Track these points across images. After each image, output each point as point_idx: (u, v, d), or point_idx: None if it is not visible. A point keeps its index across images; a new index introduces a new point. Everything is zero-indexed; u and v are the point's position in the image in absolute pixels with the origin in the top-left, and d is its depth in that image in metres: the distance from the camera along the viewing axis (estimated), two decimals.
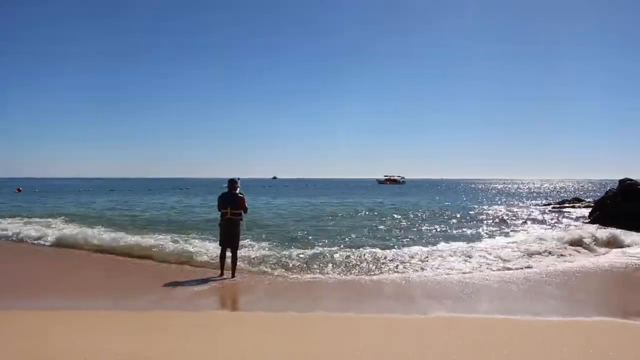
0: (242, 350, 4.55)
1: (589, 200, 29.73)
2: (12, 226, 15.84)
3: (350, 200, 38.91)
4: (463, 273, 9.09)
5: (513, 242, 12.92)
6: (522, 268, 9.57)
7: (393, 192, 58.91)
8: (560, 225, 17.86)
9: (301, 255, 10.47)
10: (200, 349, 4.59)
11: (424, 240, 13.63)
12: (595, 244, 12.20)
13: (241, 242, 9.28)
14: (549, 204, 31.59)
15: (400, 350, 4.55)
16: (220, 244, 9.02)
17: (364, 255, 10.41)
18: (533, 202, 36.98)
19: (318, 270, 9.31)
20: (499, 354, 4.45)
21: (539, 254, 10.88)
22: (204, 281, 8.43)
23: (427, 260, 10.05)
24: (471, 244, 12.38)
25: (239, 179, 9.05)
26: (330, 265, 9.64)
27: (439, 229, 16.98)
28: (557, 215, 22.97)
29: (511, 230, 16.45)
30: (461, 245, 12.16)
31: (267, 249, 11.50)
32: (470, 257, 10.44)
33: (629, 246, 12.18)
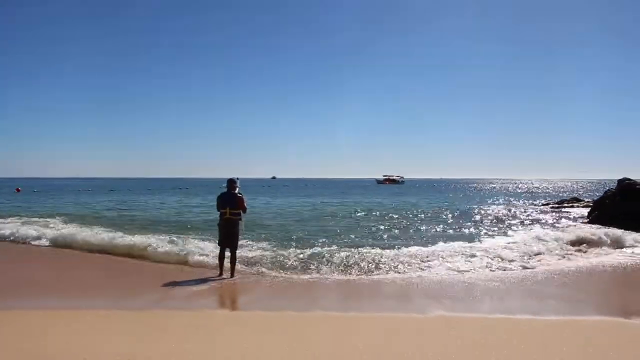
0: (242, 351, 4.55)
1: (587, 200, 29.75)
2: (10, 226, 15.79)
3: (349, 200, 38.91)
4: (462, 273, 9.10)
5: (512, 242, 12.93)
6: (521, 268, 9.58)
7: (392, 192, 58.92)
8: (559, 225, 17.86)
9: (300, 255, 10.47)
10: (200, 349, 4.58)
11: (423, 240, 13.64)
12: (594, 243, 12.21)
13: (240, 242, 9.28)
14: (547, 204, 31.61)
15: (400, 350, 4.55)
16: (219, 244, 9.02)
17: (363, 255, 10.40)
18: (532, 201, 37.00)
19: (317, 270, 9.31)
20: (499, 354, 4.45)
21: (539, 254, 10.90)
22: (203, 281, 8.42)
23: (427, 260, 10.05)
24: (470, 244, 12.38)
25: (238, 178, 9.05)
26: (329, 265, 9.63)
27: (438, 229, 16.99)
28: (556, 215, 22.99)
29: (510, 230, 16.45)
30: (460, 245, 12.16)
31: (266, 249, 11.50)
32: (469, 257, 10.44)
33: (628, 246, 12.19)
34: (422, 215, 23.62)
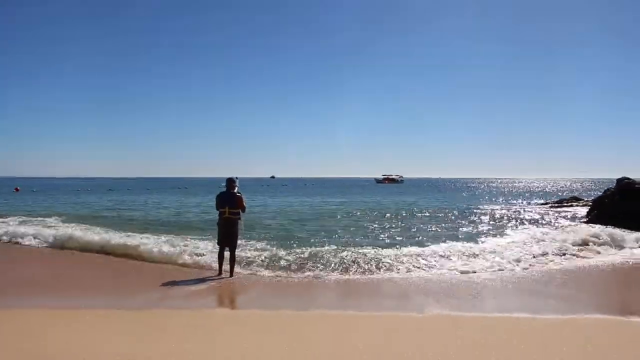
0: (242, 351, 4.53)
1: (587, 199, 29.76)
2: (8, 226, 15.75)
3: (348, 200, 38.90)
4: (462, 273, 9.09)
5: (512, 242, 12.93)
6: (521, 268, 9.58)
7: (391, 192, 58.93)
8: (558, 225, 17.86)
9: (299, 255, 10.45)
10: (199, 349, 4.57)
11: (422, 240, 13.62)
12: (593, 243, 12.20)
13: (239, 242, 9.26)
14: (547, 203, 31.61)
15: (400, 350, 4.54)
16: (218, 243, 9.01)
17: (362, 254, 10.39)
18: (531, 201, 37.03)
19: (316, 270, 9.29)
20: (499, 354, 4.44)
21: (538, 253, 10.89)
22: (202, 280, 8.41)
23: (426, 260, 10.04)
24: (470, 244, 12.36)
25: (237, 178, 9.04)
26: (328, 264, 9.62)
27: (437, 229, 16.98)
28: (555, 214, 22.99)
29: (510, 230, 16.43)
30: (460, 244, 12.13)
31: (265, 248, 11.47)
32: (469, 256, 10.44)
33: (628, 245, 12.16)
34: (422, 214, 23.62)
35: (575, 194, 39.35)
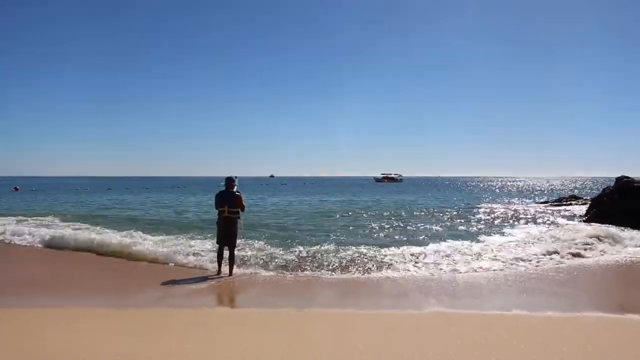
0: (242, 350, 4.53)
1: (586, 197, 29.79)
2: (6, 225, 15.70)
3: (347, 199, 38.91)
4: (461, 271, 9.09)
5: (511, 240, 12.95)
6: (520, 266, 9.58)
7: (390, 190, 58.94)
8: (558, 223, 17.88)
9: (298, 254, 10.47)
10: (199, 349, 4.56)
11: (422, 239, 13.63)
12: (593, 242, 12.21)
13: (238, 241, 9.26)
14: (546, 202, 31.65)
15: (400, 350, 4.54)
16: (217, 242, 9.00)
17: (362, 253, 10.41)
18: (530, 199, 37.07)
19: (315, 269, 9.30)
20: (499, 354, 4.44)
21: (538, 251, 10.89)
22: (202, 279, 8.41)
23: (426, 259, 10.05)
24: (469, 242, 12.37)
25: (236, 177, 9.03)
26: (327, 263, 9.62)
27: (436, 227, 16.98)
28: (554, 212, 23.01)
29: (509, 228, 16.46)
30: (459, 243, 12.15)
31: (264, 247, 11.47)
32: (468, 255, 10.45)
33: (627, 244, 12.17)
34: (421, 213, 23.63)
35: (575, 192, 39.41)
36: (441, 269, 9.23)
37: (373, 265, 9.48)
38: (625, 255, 10.89)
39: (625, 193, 16.66)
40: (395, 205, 30.30)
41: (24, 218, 18.94)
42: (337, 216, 22.09)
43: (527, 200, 35.74)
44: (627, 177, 17.59)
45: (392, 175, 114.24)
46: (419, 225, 17.77)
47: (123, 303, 6.88)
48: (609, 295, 7.93)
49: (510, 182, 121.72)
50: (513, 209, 26.46)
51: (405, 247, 11.43)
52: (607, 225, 14.81)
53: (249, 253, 10.55)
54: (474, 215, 22.14)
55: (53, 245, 12.29)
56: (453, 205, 30.36)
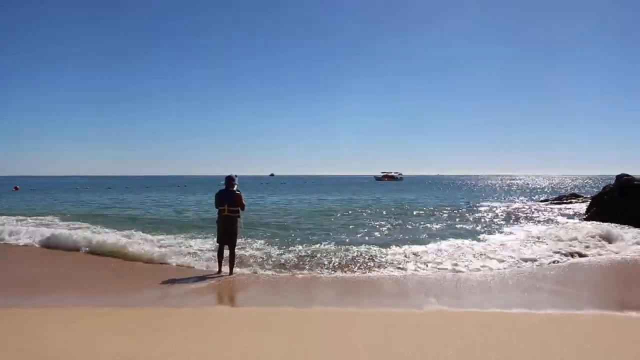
0: (242, 349, 4.53)
1: (586, 196, 29.78)
2: (4, 225, 15.67)
3: (347, 197, 38.91)
4: (461, 270, 9.09)
5: (511, 239, 12.94)
6: (521, 265, 9.57)
7: (390, 189, 58.93)
8: (558, 221, 17.87)
9: (298, 253, 10.48)
10: (199, 349, 4.56)
11: (422, 237, 13.62)
12: (593, 240, 12.22)
13: (238, 240, 9.25)
14: (546, 200, 31.63)
15: (400, 350, 4.53)
16: (217, 241, 9.00)
17: (361, 252, 10.41)
18: (531, 198, 37.06)
19: (315, 268, 9.30)
20: (499, 353, 4.43)
21: (538, 250, 10.90)
22: (202, 279, 8.41)
23: (426, 258, 10.04)
24: (470, 241, 12.37)
25: (236, 176, 9.03)
26: (327, 262, 9.63)
27: (436, 226, 16.98)
28: (554, 211, 23.00)
29: (509, 227, 16.44)
30: (459, 242, 12.15)
31: (264, 246, 11.47)
32: (468, 254, 10.44)
33: (628, 242, 12.15)
34: (421, 212, 23.61)
35: (575, 190, 39.40)
36: (441, 268, 9.22)
37: (373, 264, 9.48)
38: (625, 254, 10.88)
39: (625, 191, 16.65)
40: (396, 203, 30.29)
41: (23, 217, 18.94)
42: (337, 215, 22.09)
43: (528, 199, 35.73)
44: (627, 175, 17.58)
45: (393, 174, 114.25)
46: (419, 223, 17.76)
47: (123, 303, 6.88)
48: (609, 293, 7.92)
49: (510, 180, 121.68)
50: (513, 207, 26.45)
51: (405, 246, 11.42)
52: (607, 223, 14.81)
53: (249, 252, 10.56)
54: (474, 214, 22.13)
55: (50, 245, 12.19)
56: (453, 203, 30.35)
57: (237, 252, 9.27)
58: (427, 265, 9.41)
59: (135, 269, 9.62)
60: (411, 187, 65.41)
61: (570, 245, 11.48)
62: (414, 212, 23.21)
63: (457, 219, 19.60)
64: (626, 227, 14.06)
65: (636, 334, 5.28)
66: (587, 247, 11.51)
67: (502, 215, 21.49)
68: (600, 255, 10.75)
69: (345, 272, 9.02)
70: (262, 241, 12.21)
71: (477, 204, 29.18)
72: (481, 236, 13.62)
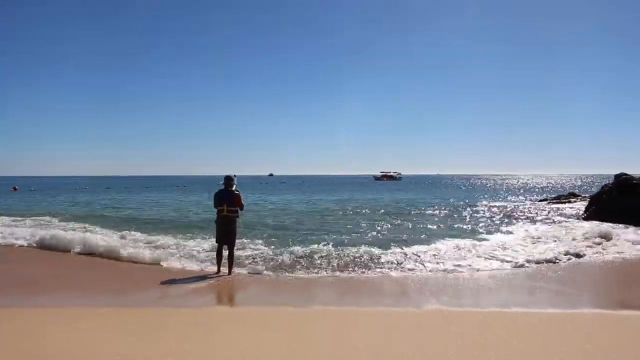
0: (242, 349, 4.53)
1: (585, 195, 29.82)
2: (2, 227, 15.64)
3: (347, 197, 38.92)
4: (461, 270, 9.09)
5: (510, 239, 12.97)
6: (519, 265, 9.56)
7: (389, 189, 58.95)
8: (556, 221, 17.88)
9: (297, 253, 10.47)
10: (199, 349, 4.56)
11: (421, 237, 13.63)
12: (591, 240, 12.25)
13: (237, 240, 9.25)
14: (545, 199, 31.66)
15: (400, 350, 4.54)
16: (217, 242, 8.99)
17: (360, 252, 10.41)
18: (529, 197, 37.09)
19: (314, 268, 9.30)
20: (499, 352, 4.44)
21: (537, 250, 10.92)
22: (201, 279, 8.40)
23: (425, 257, 10.05)
24: (469, 241, 12.39)
25: (235, 176, 9.02)
26: (326, 262, 9.63)
27: (436, 226, 16.99)
28: (553, 210, 23.03)
29: (508, 226, 16.45)
30: (458, 242, 12.17)
31: (263, 246, 11.47)
32: (467, 253, 10.46)
33: (625, 241, 12.18)
34: (420, 212, 23.62)
35: (575, 190, 39.44)
36: (441, 268, 9.22)
37: (373, 264, 9.49)
38: (624, 253, 10.89)
39: (624, 190, 16.70)
40: (395, 203, 30.31)
41: (21, 218, 18.86)
42: (337, 215, 22.09)
43: (526, 198, 35.77)
44: (626, 174, 17.61)
45: (392, 174, 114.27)
46: (419, 223, 17.77)
47: (123, 303, 6.88)
48: (608, 293, 7.93)
49: (509, 180, 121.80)
50: (512, 207, 26.46)
51: (404, 246, 11.44)
52: (606, 222, 14.86)
53: (248, 252, 10.56)
54: (473, 214, 22.14)
55: (44, 246, 12.00)
56: (453, 203, 30.36)
57: (236, 252, 9.27)
58: (426, 265, 9.41)
59: (134, 270, 9.60)
60: (410, 187, 65.45)
61: (569, 245, 11.50)
62: (413, 212, 23.22)
63: (456, 219, 19.62)
64: (625, 226, 14.09)
65: (636, 333, 5.29)
66: (586, 246, 11.53)
67: (501, 215, 21.51)
68: (599, 254, 10.76)
69: (344, 272, 9.02)
70: (262, 241, 12.21)
71: (476, 204, 29.19)
72: (480, 236, 13.64)
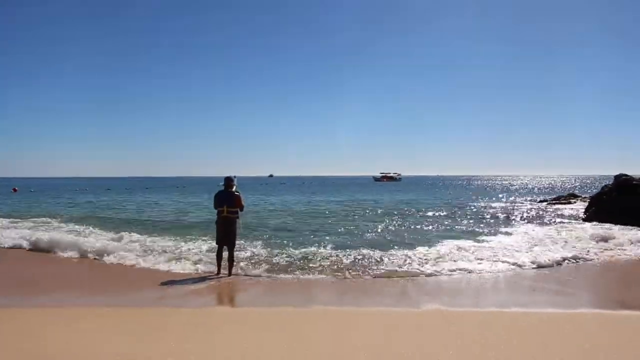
0: (242, 349, 4.53)
1: (584, 196, 29.82)
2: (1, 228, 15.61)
3: (346, 198, 38.92)
4: (460, 271, 9.09)
5: (510, 240, 12.96)
6: (519, 265, 9.56)
7: (389, 190, 58.95)
8: (556, 222, 17.89)
9: (297, 254, 10.48)
10: (199, 349, 4.56)
11: (420, 238, 13.64)
12: (591, 240, 12.25)
13: (237, 241, 9.25)
14: (544, 200, 31.67)
15: (400, 350, 4.54)
16: (217, 242, 8.99)
17: (361, 252, 10.41)
18: (529, 198, 37.07)
19: (314, 268, 9.28)
20: (499, 352, 4.44)
21: (536, 250, 10.91)
22: (201, 280, 8.40)
23: (425, 258, 10.04)
24: (469, 242, 12.39)
25: (235, 176, 9.02)
26: (326, 263, 9.63)
27: (435, 227, 17.00)
28: (553, 211, 23.04)
29: (508, 227, 16.44)
30: (458, 242, 12.16)
31: (263, 247, 11.46)
32: (467, 254, 10.46)
33: (624, 242, 12.18)
34: (420, 212, 23.62)
35: (576, 190, 39.45)
36: (440, 268, 9.22)
37: (372, 265, 9.48)
38: (624, 253, 10.89)
39: (623, 191, 16.70)
40: (394, 204, 30.30)
41: (19, 220, 18.79)
42: (337, 216, 22.09)
43: (526, 199, 35.75)
44: (626, 175, 17.62)
45: (391, 175, 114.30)
46: (419, 224, 17.78)
47: (123, 303, 6.88)
48: (608, 293, 7.93)
49: (509, 180, 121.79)
50: (512, 207, 26.46)
51: (404, 247, 11.45)
52: (606, 223, 14.87)
53: (248, 253, 10.55)
54: (472, 214, 22.15)
55: (38, 248, 11.86)
56: (452, 204, 30.37)
57: (236, 253, 9.26)
58: (425, 266, 9.40)
59: (134, 270, 9.61)
60: (410, 188, 65.45)
61: (569, 245, 11.50)
62: (413, 213, 23.22)
63: (456, 220, 19.61)
64: (625, 227, 14.10)
65: (636, 333, 5.28)
66: (586, 247, 11.53)
67: (501, 215, 21.51)
68: (599, 255, 10.75)
69: (344, 272, 9.02)
70: (261, 242, 12.19)
71: (476, 204, 29.20)
72: (479, 237, 13.63)
